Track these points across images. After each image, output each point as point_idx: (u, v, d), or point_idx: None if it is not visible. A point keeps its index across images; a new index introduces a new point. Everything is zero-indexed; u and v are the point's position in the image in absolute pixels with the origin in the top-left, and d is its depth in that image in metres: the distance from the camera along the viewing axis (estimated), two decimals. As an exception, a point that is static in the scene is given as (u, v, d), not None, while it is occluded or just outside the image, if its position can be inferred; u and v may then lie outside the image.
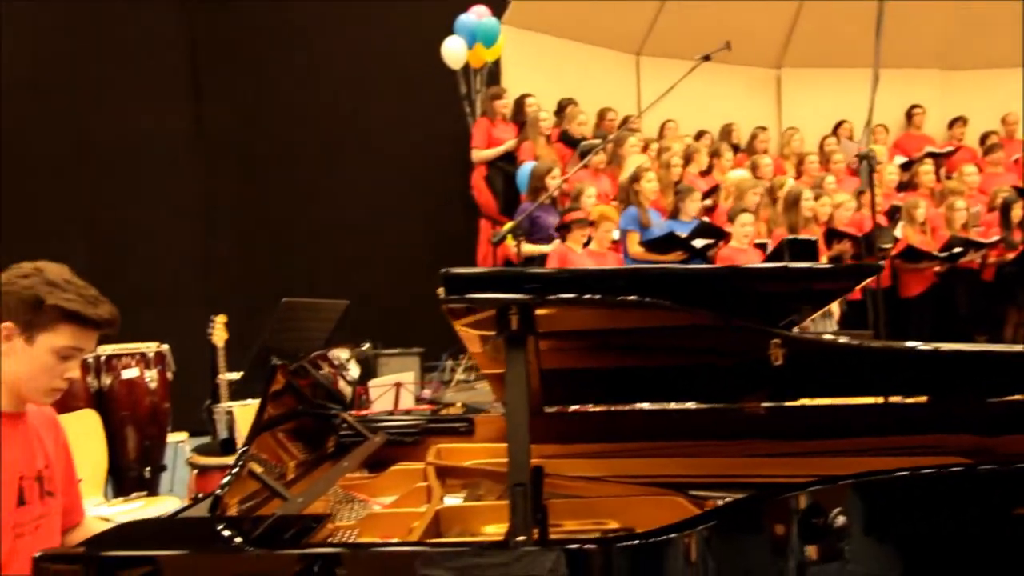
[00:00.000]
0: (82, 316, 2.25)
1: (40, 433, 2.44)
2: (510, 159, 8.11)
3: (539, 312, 1.80)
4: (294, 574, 1.64)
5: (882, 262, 7.07)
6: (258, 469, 2.03)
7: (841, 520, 1.89)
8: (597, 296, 1.63)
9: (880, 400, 3.10)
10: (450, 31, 8.28)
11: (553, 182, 7.08)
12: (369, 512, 2.40)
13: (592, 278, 1.66)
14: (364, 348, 4.84)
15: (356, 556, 1.69)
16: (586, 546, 1.58)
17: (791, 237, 1.68)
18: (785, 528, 1.86)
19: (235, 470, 2.04)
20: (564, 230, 6.74)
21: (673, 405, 3.52)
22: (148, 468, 5.40)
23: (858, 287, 7.44)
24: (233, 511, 2.04)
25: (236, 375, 4.89)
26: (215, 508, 1.96)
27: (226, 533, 1.78)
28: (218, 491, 1.97)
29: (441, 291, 1.59)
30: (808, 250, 1.63)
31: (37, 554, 1.62)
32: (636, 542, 1.61)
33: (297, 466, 2.62)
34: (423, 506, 2.37)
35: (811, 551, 1.91)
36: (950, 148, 10.13)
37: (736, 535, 1.80)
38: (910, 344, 2.17)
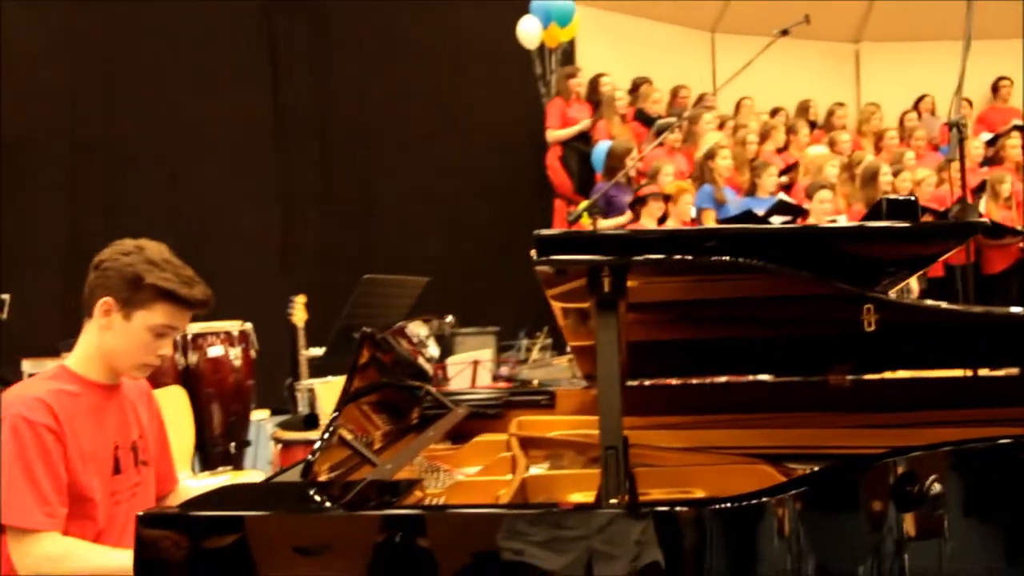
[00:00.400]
0: (178, 296, 2.30)
1: (135, 404, 2.51)
2: (585, 139, 8.08)
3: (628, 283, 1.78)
4: (382, 537, 1.65)
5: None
6: (348, 436, 2.05)
7: (937, 488, 1.84)
8: (689, 257, 1.60)
9: (971, 373, 3.03)
10: (526, 11, 8.25)
11: (629, 161, 7.03)
12: (455, 481, 2.41)
13: (684, 238, 1.63)
14: (448, 321, 4.86)
15: (446, 519, 1.69)
16: (678, 508, 1.56)
17: (890, 196, 1.61)
18: (880, 495, 1.81)
19: (325, 436, 2.06)
20: (638, 204, 6.67)
21: (755, 377, 3.49)
22: (233, 443, 5.49)
23: (942, 258, 7.29)
24: (323, 477, 2.06)
25: (318, 351, 4.95)
26: (307, 474, 1.99)
27: (318, 497, 1.80)
28: (309, 457, 2.00)
29: (534, 253, 1.58)
30: (908, 210, 1.55)
31: (140, 513, 1.65)
32: (728, 505, 1.59)
33: (383, 436, 2.64)
34: (508, 475, 2.37)
35: (908, 523, 1.86)
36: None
37: (830, 501, 1.76)
38: (1013, 310, 2.10)
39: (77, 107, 7.42)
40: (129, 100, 7.64)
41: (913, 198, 1.75)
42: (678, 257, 1.58)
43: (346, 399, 2.25)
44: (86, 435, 2.25)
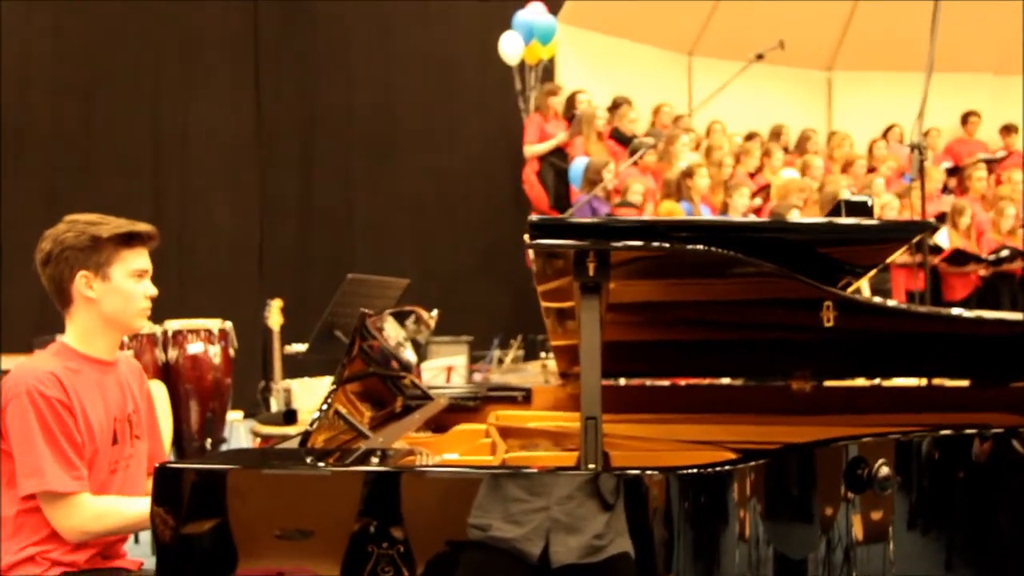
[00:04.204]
0: (135, 234, 2.47)
1: (128, 380, 2.63)
2: (561, 155, 8.26)
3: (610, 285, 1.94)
4: (371, 491, 1.81)
5: (931, 258, 7.15)
6: (344, 410, 2.21)
7: (885, 470, 2.03)
8: (666, 244, 1.78)
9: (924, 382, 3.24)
10: (508, 27, 8.46)
11: (607, 175, 7.23)
12: (438, 461, 2.56)
13: (660, 227, 1.82)
14: (432, 315, 5.03)
15: (435, 475, 1.86)
16: (648, 471, 1.74)
17: (846, 198, 1.74)
18: (833, 474, 2.00)
19: (323, 408, 2.22)
20: (614, 221, 6.88)
21: (716, 380, 3.67)
22: (209, 440, 5.58)
23: (904, 287, 7.53)
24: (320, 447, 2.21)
25: (301, 347, 5.07)
26: (304, 443, 2.14)
27: (314, 460, 1.96)
28: (308, 428, 2.15)
29: (526, 237, 1.75)
30: (863, 210, 1.69)
31: (157, 465, 1.81)
32: (695, 471, 1.77)
33: (369, 422, 2.79)
34: (489, 457, 2.53)
35: (858, 504, 2.05)
36: (1002, 154, 10.11)
37: (789, 474, 1.95)
38: (955, 311, 2.30)
39: (57, 111, 7.52)
40: (110, 104, 7.74)
41: (868, 199, 1.95)
42: (656, 244, 1.77)
43: (341, 381, 2.40)
44: (90, 407, 2.39)
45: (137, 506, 2.30)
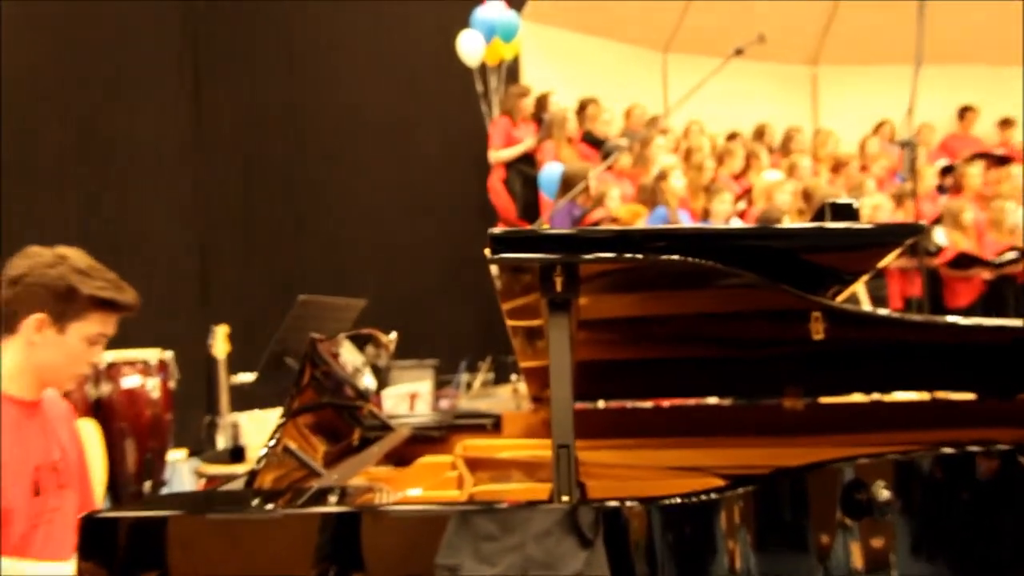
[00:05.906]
0: (115, 303, 2.43)
1: (55, 425, 2.58)
2: (530, 162, 8.25)
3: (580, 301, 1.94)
4: (327, 534, 1.79)
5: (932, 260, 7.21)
6: (293, 446, 2.19)
7: (885, 494, 2.03)
8: (639, 255, 1.78)
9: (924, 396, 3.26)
10: (466, 25, 8.46)
11: (589, 181, 7.22)
12: (399, 498, 2.54)
13: (633, 238, 1.81)
14: (391, 338, 4.99)
15: (396, 514, 1.84)
16: (628, 503, 1.73)
17: (832, 201, 1.75)
18: (828, 499, 2.00)
19: (270, 443, 2.19)
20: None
21: (701, 401, 3.69)
22: (148, 483, 5.51)
23: (901, 293, 7.59)
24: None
25: (248, 376, 5.02)
26: (251, 483, 2.12)
27: (260, 502, 1.93)
28: (255, 466, 2.12)
29: (488, 251, 1.74)
30: (850, 214, 1.70)
31: (82, 515, 1.78)
32: (678, 501, 1.76)
33: (323, 457, 2.76)
34: (455, 492, 2.52)
35: (856, 533, 2.05)
36: (1004, 153, 10.20)
37: (780, 500, 1.95)
38: (952, 318, 2.31)
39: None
40: (36, 115, 7.66)
41: (854, 202, 1.96)
42: (628, 255, 1.77)
43: (291, 413, 2.38)
44: (8, 453, 2.33)
45: (33, 570, 2.24)
